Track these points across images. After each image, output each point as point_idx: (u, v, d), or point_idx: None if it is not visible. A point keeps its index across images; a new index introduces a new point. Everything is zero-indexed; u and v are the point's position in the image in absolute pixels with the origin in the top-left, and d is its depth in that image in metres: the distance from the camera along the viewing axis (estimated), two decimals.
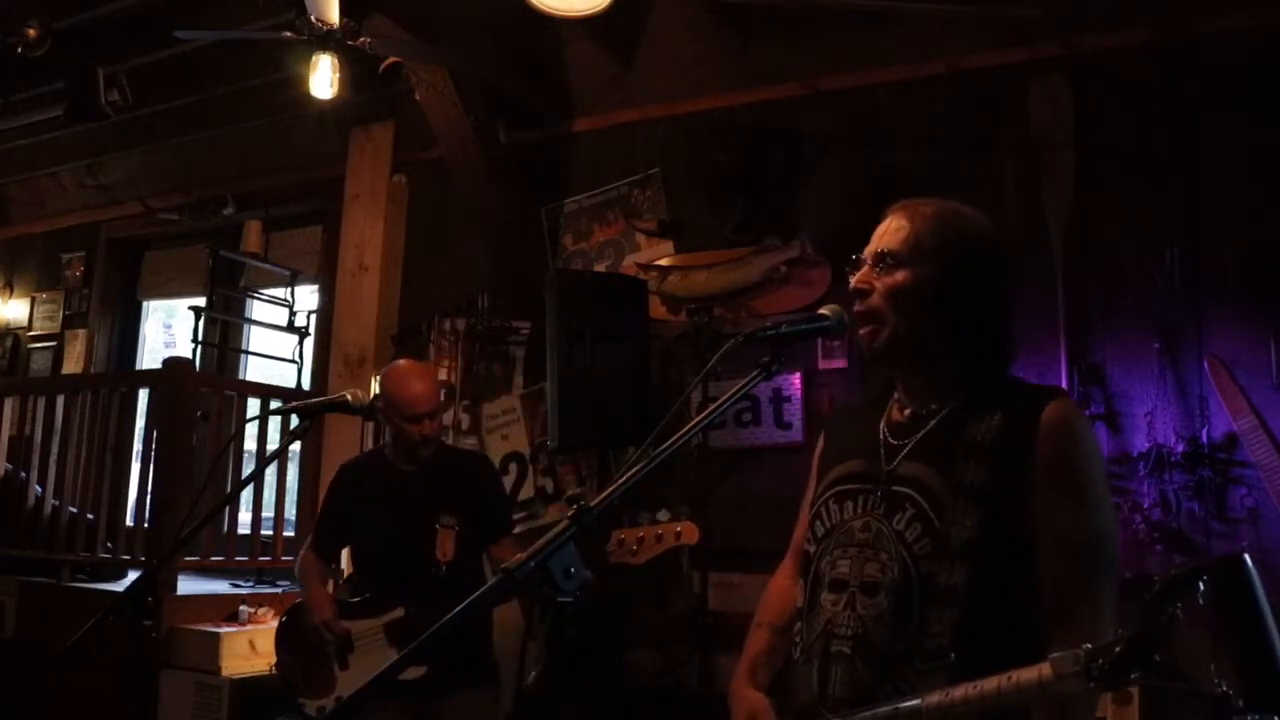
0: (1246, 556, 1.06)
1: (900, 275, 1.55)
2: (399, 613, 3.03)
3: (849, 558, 1.54)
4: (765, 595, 1.82)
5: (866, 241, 1.67)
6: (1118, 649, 1.09)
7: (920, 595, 1.44)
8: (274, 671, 3.49)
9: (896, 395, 1.66)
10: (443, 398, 3.37)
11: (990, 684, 1.23)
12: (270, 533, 5.27)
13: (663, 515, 2.76)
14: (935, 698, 1.29)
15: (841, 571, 1.54)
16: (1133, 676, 1.07)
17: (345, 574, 3.65)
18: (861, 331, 1.59)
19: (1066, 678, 1.13)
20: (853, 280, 1.62)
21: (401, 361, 3.38)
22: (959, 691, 1.26)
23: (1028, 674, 1.19)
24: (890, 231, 1.60)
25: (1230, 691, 1.03)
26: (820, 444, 1.80)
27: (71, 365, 6.89)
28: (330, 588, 3.30)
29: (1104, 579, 1.44)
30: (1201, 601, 1.05)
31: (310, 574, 3.24)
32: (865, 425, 1.66)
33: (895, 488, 1.53)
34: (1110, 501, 1.54)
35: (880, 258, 1.58)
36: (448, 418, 4.94)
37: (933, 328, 1.55)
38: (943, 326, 1.55)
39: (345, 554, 3.65)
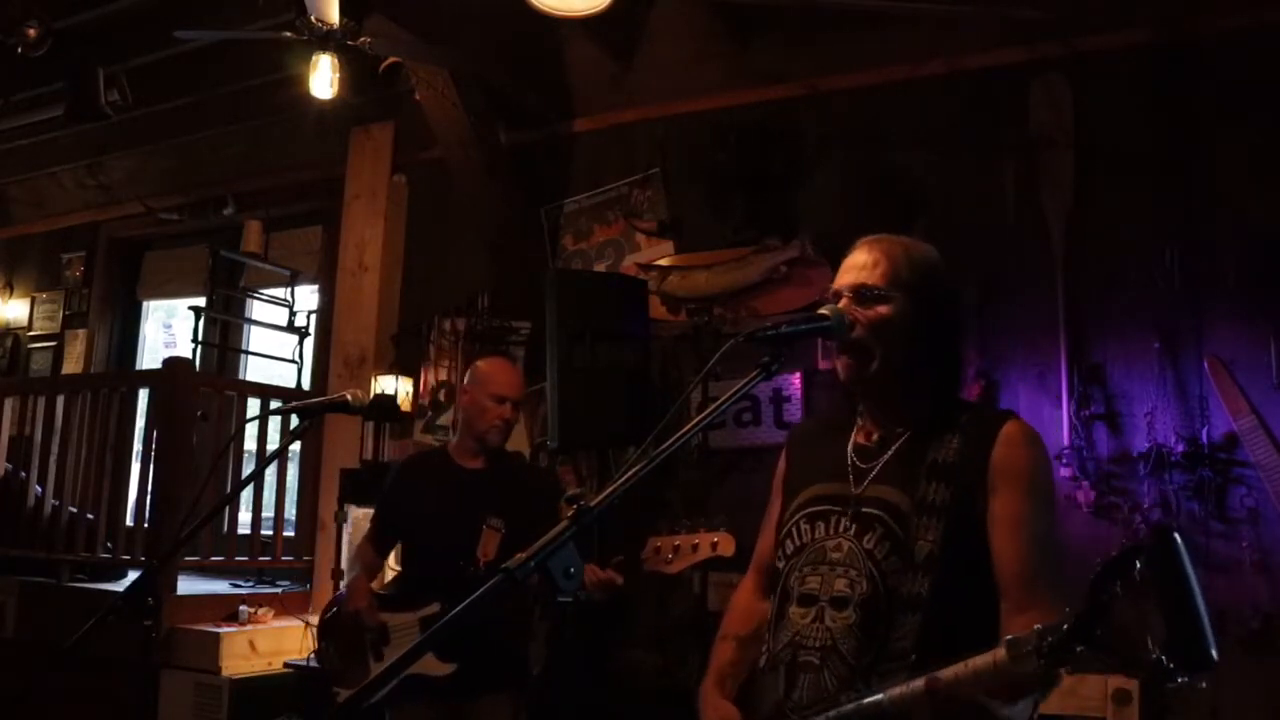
0: (1175, 530, 1.14)
1: (884, 309, 1.63)
2: (434, 608, 3.01)
3: (819, 574, 1.60)
4: (730, 608, 1.89)
5: None
6: (1064, 627, 1.17)
7: (887, 607, 1.51)
8: (311, 659, 3.48)
9: (860, 420, 1.71)
10: (523, 401, 3.42)
11: (948, 672, 1.28)
12: (270, 533, 5.27)
13: (681, 526, 2.74)
14: (897, 690, 1.34)
15: (811, 587, 1.60)
16: (1078, 650, 1.15)
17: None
18: (846, 363, 1.64)
19: (1020, 658, 1.20)
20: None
21: (496, 356, 3.60)
22: (919, 682, 1.31)
23: (983, 659, 1.25)
24: (867, 266, 1.66)
25: (1162, 657, 1.09)
26: (782, 465, 1.85)
27: (71, 365, 6.89)
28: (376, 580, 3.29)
29: (1051, 569, 1.52)
30: (1138, 577, 1.13)
31: (358, 564, 3.26)
32: (831, 448, 1.72)
33: (865, 509, 1.60)
34: (1055, 514, 1.63)
35: (861, 291, 1.64)
36: (448, 418, 4.94)
37: (910, 357, 1.63)
38: (918, 356, 1.64)
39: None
